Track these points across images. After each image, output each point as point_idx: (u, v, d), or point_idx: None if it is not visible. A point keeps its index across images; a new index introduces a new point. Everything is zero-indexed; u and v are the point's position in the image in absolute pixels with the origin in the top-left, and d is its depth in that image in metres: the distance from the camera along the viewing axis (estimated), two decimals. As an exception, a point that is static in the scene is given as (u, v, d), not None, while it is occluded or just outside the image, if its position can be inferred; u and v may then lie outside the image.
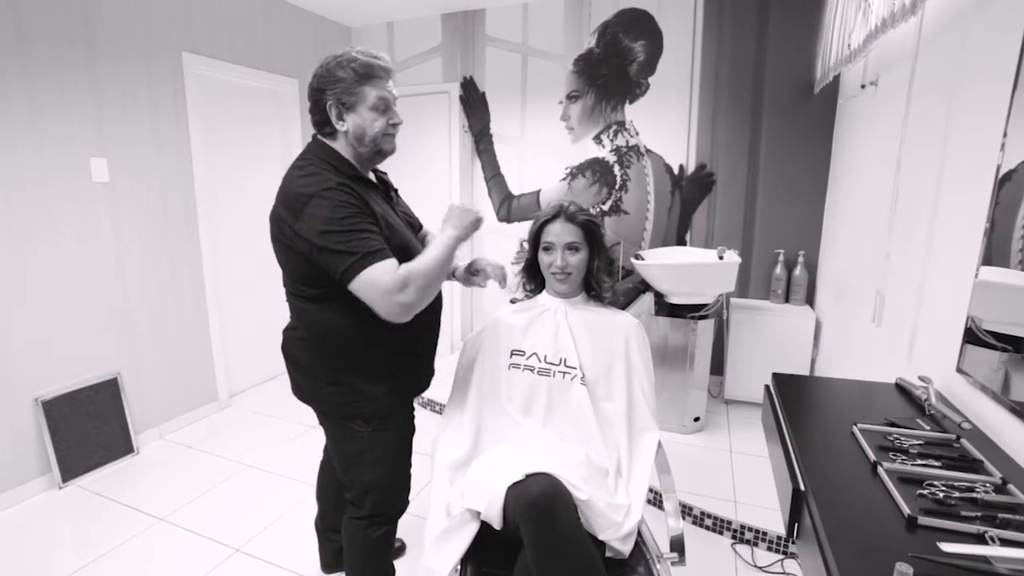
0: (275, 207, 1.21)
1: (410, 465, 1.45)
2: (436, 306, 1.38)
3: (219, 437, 2.77)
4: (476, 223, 1.31)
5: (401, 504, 1.43)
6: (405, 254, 1.21)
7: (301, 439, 2.74)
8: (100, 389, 2.46)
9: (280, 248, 1.23)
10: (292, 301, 1.30)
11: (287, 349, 1.37)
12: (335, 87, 1.20)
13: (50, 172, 2.23)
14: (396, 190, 1.44)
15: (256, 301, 3.29)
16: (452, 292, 3.82)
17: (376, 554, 1.43)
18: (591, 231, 1.39)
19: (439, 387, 1.51)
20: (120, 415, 2.53)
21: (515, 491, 1.07)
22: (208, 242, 2.91)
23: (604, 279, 1.44)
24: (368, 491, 1.36)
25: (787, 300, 2.96)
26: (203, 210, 2.87)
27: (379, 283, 1.10)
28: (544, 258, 1.41)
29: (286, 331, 1.37)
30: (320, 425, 1.40)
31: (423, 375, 1.44)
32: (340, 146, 1.25)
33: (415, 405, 1.48)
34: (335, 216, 1.12)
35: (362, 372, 1.28)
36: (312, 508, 2.15)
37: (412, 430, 1.44)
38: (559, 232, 1.38)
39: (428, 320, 1.38)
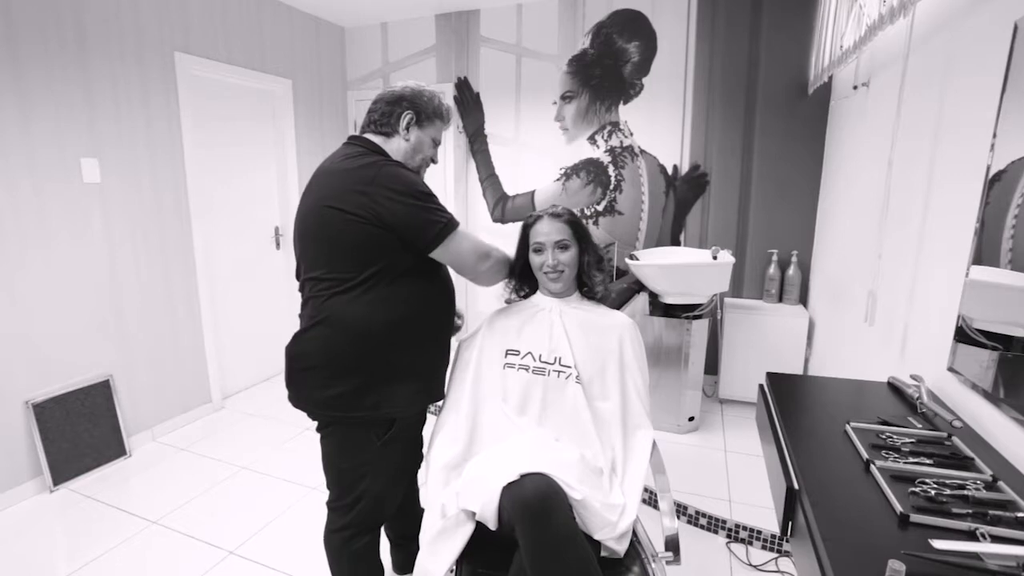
0: (331, 194, 1.21)
1: (405, 482, 1.43)
2: (451, 306, 1.43)
3: (213, 439, 2.75)
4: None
5: (388, 513, 1.42)
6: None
7: (295, 441, 2.73)
8: (92, 391, 2.43)
9: (333, 232, 1.20)
10: (325, 295, 1.23)
11: (304, 350, 1.27)
12: (419, 104, 1.34)
13: (41, 172, 2.21)
14: None
15: (250, 302, 3.25)
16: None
17: (363, 559, 1.41)
18: (577, 228, 1.41)
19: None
20: (112, 417, 2.51)
21: (510, 491, 1.07)
22: (201, 243, 2.89)
23: (595, 274, 1.45)
24: (361, 499, 1.34)
25: (781, 300, 2.97)
26: (196, 211, 2.86)
27: (471, 244, 1.34)
28: (535, 259, 1.42)
29: (301, 334, 1.28)
30: (318, 432, 1.35)
31: (444, 378, 1.44)
32: (389, 149, 1.33)
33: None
34: (411, 179, 1.22)
35: (392, 370, 1.26)
36: (308, 510, 2.15)
37: (420, 444, 1.42)
38: (548, 231, 1.39)
39: (450, 322, 1.42)
